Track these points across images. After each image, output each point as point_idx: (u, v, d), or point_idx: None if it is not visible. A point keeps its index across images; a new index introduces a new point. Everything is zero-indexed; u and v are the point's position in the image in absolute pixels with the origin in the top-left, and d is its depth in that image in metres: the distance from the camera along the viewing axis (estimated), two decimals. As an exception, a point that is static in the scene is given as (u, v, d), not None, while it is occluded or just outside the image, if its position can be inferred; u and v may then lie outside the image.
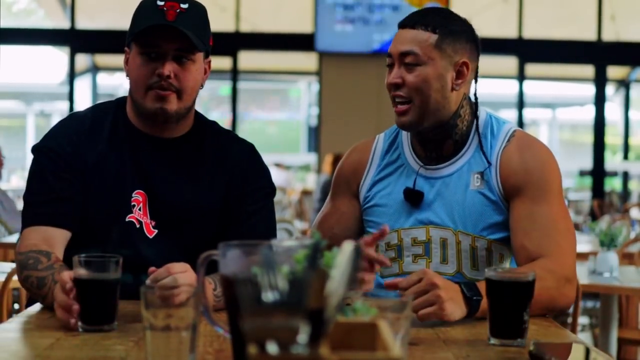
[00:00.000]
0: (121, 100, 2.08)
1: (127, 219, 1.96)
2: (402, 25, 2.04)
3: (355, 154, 2.20)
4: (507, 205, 2.00)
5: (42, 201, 1.94)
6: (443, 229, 2.02)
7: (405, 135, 2.14)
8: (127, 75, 2.00)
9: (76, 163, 1.96)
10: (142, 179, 1.98)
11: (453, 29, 2.01)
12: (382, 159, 2.14)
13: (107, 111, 2.05)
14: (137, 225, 1.96)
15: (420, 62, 1.98)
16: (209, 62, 2.03)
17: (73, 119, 2.04)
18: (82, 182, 1.96)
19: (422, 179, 2.07)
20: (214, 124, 2.11)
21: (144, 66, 1.93)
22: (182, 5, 1.94)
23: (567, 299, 1.88)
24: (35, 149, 2.00)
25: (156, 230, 1.97)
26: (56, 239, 1.91)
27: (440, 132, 2.03)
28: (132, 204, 1.97)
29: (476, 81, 2.08)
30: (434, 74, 1.98)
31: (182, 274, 1.70)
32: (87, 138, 1.99)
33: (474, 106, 2.08)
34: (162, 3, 1.93)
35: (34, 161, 2.00)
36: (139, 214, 1.97)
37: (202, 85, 2.02)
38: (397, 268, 2.06)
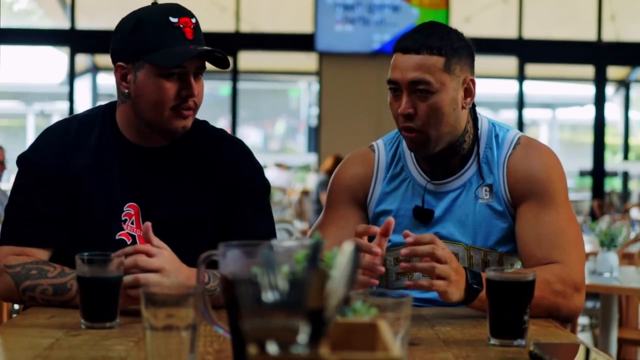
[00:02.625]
0: (108, 108, 2.01)
1: (117, 237, 1.91)
2: (404, 49, 1.93)
3: (356, 166, 2.12)
4: (513, 213, 1.98)
5: (23, 219, 1.91)
6: (453, 243, 1.99)
7: (407, 147, 2.08)
8: (132, 94, 1.90)
9: (61, 177, 1.91)
10: (134, 191, 1.94)
11: (456, 47, 1.93)
12: (386, 172, 2.09)
13: (94, 119, 1.99)
14: (129, 242, 1.92)
15: (433, 90, 1.90)
16: None
17: (58, 129, 1.98)
18: (67, 197, 1.92)
19: (430, 194, 2.03)
20: (202, 123, 2.06)
21: (169, 88, 1.86)
22: (192, 20, 1.90)
23: (574, 308, 1.86)
24: (20, 161, 1.95)
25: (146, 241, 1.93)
26: (36, 257, 1.88)
27: (449, 150, 1.99)
28: (124, 218, 1.93)
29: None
30: (447, 100, 1.92)
31: (142, 257, 1.69)
32: (73, 149, 1.94)
33: (474, 115, 2.04)
34: (175, 20, 1.87)
35: (18, 174, 1.95)
36: (131, 227, 1.93)
37: None
38: (406, 281, 2.03)
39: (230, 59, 2.00)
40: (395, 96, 1.95)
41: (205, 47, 1.88)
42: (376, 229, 1.74)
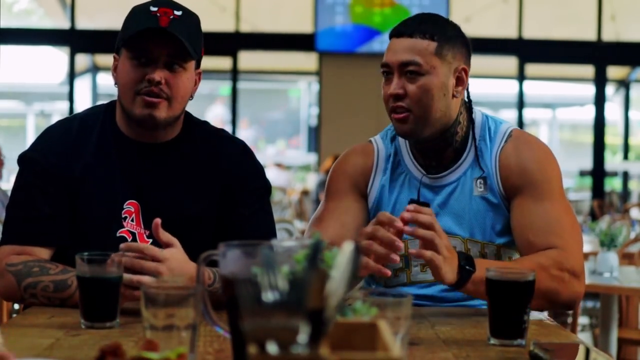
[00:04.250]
0: (109, 106, 2.03)
1: (118, 234, 1.92)
2: (398, 34, 1.98)
3: (357, 157, 2.12)
4: (508, 205, 1.99)
5: (24, 218, 1.91)
6: (451, 237, 1.98)
7: (403, 141, 2.09)
8: (116, 83, 1.96)
9: (62, 176, 1.92)
10: (134, 188, 1.94)
11: (449, 35, 1.97)
12: (386, 163, 2.10)
13: (95, 118, 2.00)
14: (130, 239, 1.92)
15: (423, 72, 1.94)
16: (200, 73, 1.99)
17: (59, 128, 1.99)
18: (68, 195, 1.92)
19: (426, 187, 2.04)
20: (204, 124, 2.08)
21: (133, 71, 1.89)
22: (176, 12, 1.90)
23: (572, 293, 1.87)
24: (21, 159, 1.96)
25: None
26: (38, 255, 1.88)
27: (441, 141, 2.00)
28: (124, 215, 1.93)
29: (468, 84, 2.04)
30: (437, 83, 1.94)
31: (141, 260, 1.70)
32: (74, 148, 1.95)
33: (469, 110, 2.05)
34: (155, 9, 1.90)
35: (19, 173, 1.96)
36: (131, 225, 1.93)
37: (192, 96, 1.98)
38: (404, 278, 2.03)
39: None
40: (387, 80, 1.99)
41: (168, 30, 1.87)
42: (400, 225, 1.74)
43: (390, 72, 1.97)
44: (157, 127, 1.93)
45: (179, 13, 1.91)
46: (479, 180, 2.01)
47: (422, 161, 2.05)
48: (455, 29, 2.01)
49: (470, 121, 2.04)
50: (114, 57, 1.97)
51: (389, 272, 1.73)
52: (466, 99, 2.05)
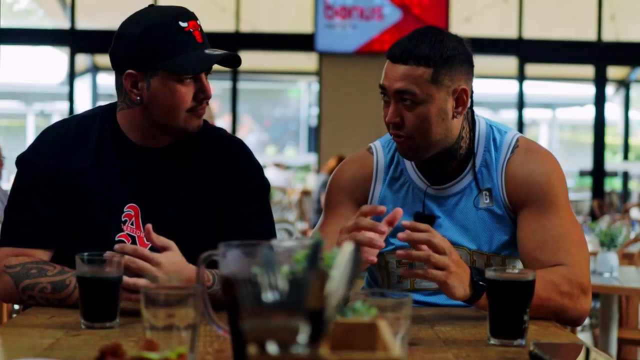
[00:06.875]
0: (108, 109, 2.00)
1: (117, 238, 1.91)
2: (393, 58, 1.91)
3: (355, 168, 2.09)
4: (514, 217, 1.97)
5: (22, 220, 1.91)
6: (457, 248, 1.93)
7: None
8: (144, 100, 1.89)
9: (59, 177, 1.91)
10: (134, 192, 1.93)
11: (446, 56, 1.89)
12: (385, 174, 2.07)
13: (93, 120, 1.98)
14: (129, 242, 1.91)
15: (419, 101, 1.88)
16: None
17: (57, 130, 1.98)
18: (67, 197, 1.91)
19: (431, 199, 2.01)
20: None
21: (185, 93, 1.87)
22: (197, 22, 1.90)
23: (581, 310, 1.86)
24: (18, 161, 1.95)
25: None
26: (36, 257, 1.88)
27: (445, 156, 1.97)
28: (124, 219, 1.92)
29: (472, 96, 1.98)
30: (434, 110, 1.89)
31: (138, 261, 1.71)
32: (72, 150, 1.94)
33: (471, 123, 2.01)
34: (185, 24, 1.87)
35: (17, 175, 1.95)
36: (131, 228, 1.93)
37: None
38: (408, 284, 2.01)
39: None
40: (385, 102, 1.94)
41: (224, 51, 1.90)
42: (382, 209, 1.73)
43: (388, 95, 1.92)
44: (194, 134, 1.94)
45: (199, 22, 1.90)
46: (484, 192, 1.98)
47: (426, 171, 2.02)
48: (454, 45, 1.92)
49: (473, 132, 2.00)
50: (131, 74, 1.88)
51: (375, 260, 1.71)
52: (469, 105, 1.99)
